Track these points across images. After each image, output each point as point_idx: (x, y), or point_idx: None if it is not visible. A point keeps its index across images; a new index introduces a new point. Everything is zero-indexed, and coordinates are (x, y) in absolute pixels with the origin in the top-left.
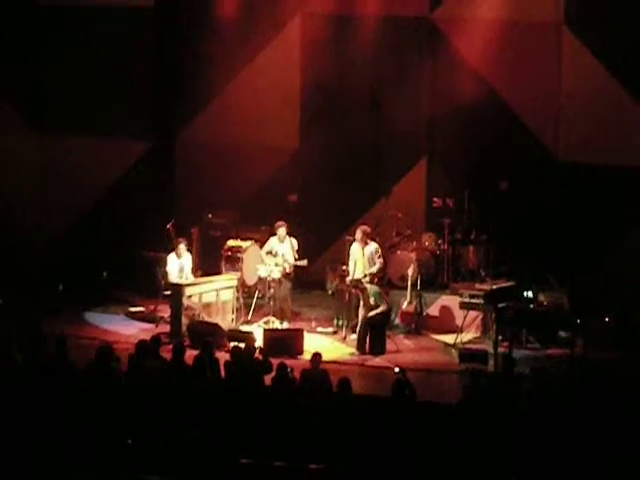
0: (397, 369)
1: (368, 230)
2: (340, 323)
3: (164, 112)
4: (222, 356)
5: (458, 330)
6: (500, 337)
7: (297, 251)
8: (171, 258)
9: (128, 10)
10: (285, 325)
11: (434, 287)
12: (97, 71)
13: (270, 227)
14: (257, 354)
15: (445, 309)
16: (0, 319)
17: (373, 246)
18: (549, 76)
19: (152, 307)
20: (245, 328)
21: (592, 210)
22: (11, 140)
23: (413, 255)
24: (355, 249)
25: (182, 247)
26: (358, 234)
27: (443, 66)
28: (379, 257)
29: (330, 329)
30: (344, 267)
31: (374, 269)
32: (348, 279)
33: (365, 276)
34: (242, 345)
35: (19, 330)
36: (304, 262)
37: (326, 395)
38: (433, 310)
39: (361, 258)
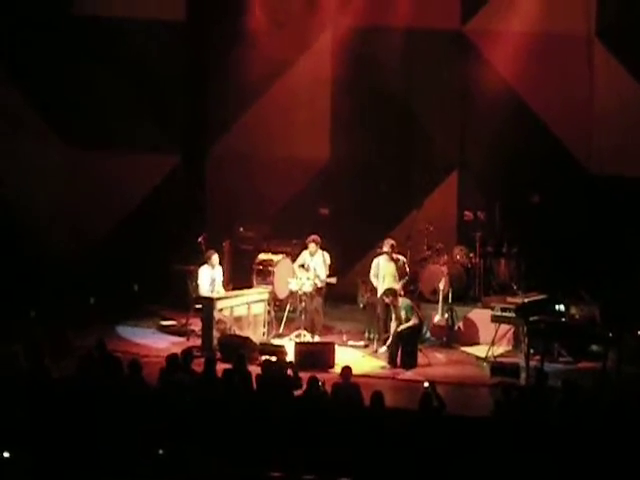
0: (426, 384)
1: (394, 243)
2: (371, 336)
3: (195, 126)
4: (253, 370)
5: (490, 343)
6: (532, 351)
7: (330, 266)
8: (203, 270)
9: (159, 24)
10: (316, 338)
11: (465, 300)
12: (128, 84)
13: (301, 240)
14: (288, 369)
15: (477, 322)
16: (32, 331)
17: (401, 260)
18: (581, 88)
19: (183, 321)
20: (276, 342)
21: (624, 223)
22: (41, 152)
23: (444, 268)
24: (383, 263)
25: (215, 257)
26: (386, 247)
27: (475, 79)
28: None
29: (361, 342)
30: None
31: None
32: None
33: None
34: (273, 358)
35: (50, 342)
36: (333, 280)
37: (358, 409)
38: (464, 323)
39: (392, 272)
